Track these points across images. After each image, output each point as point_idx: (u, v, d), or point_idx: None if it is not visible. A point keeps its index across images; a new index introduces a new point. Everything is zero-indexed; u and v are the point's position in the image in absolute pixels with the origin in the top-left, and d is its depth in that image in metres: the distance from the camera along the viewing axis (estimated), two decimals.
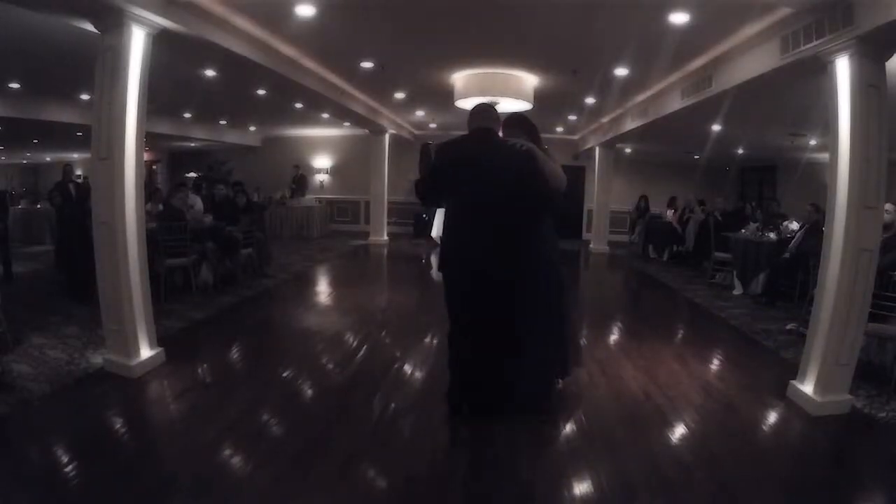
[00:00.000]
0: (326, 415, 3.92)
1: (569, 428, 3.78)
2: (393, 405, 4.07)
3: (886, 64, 3.98)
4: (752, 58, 5.31)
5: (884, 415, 4.13)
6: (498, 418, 3.74)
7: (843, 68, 3.99)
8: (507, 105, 8.11)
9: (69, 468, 3.07)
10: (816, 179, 11.74)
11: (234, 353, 5.28)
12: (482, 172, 3.50)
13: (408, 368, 4.86)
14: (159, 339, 4.76)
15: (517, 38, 6.23)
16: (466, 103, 7.82)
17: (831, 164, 4.12)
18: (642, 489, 3.05)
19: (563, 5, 4.99)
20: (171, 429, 3.68)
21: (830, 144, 4.14)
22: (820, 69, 4.27)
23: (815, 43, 4.18)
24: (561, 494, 3.00)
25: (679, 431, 3.78)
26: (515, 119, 4.08)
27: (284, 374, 4.64)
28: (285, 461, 3.22)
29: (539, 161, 3.59)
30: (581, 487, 3.04)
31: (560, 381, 4.25)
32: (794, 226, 8.90)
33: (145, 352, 4.52)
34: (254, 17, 5.55)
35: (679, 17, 4.96)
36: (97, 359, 4.63)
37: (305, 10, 5.21)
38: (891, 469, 3.48)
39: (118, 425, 3.71)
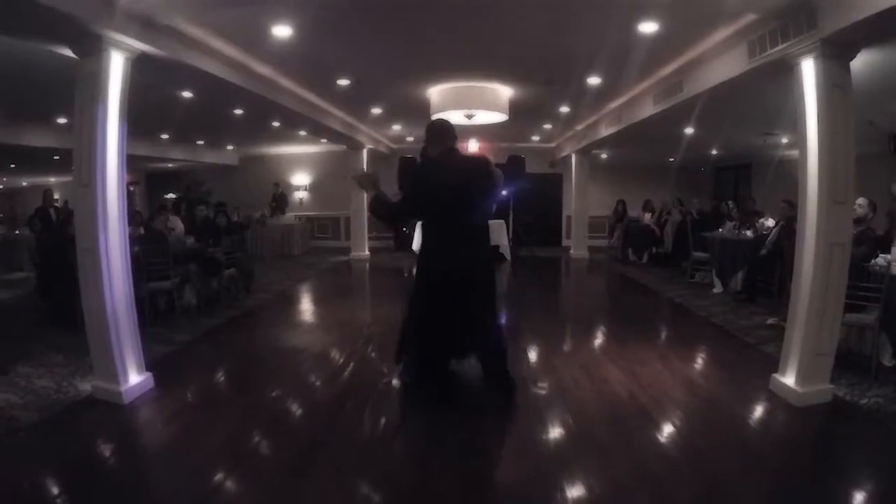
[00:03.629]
0: (316, 432, 3.93)
1: (556, 431, 3.84)
2: (383, 420, 4.11)
3: (851, 63, 4.11)
4: (721, 63, 5.44)
5: (866, 401, 4.25)
6: (486, 426, 3.81)
7: (808, 70, 4.13)
8: (483, 117, 8.22)
9: (60, 497, 3.06)
10: (790, 176, 11.92)
11: (222, 375, 5.27)
12: (458, 183, 4.05)
13: (396, 383, 4.84)
14: (147, 364, 4.74)
15: (491, 52, 6.32)
16: (443, 117, 7.87)
17: (801, 162, 4.24)
18: (631, 487, 3.12)
19: (534, 18, 5.09)
20: (163, 453, 3.66)
21: (799, 143, 4.27)
22: (787, 71, 4.39)
23: (780, 47, 4.31)
24: (553, 497, 3.04)
25: (664, 429, 3.86)
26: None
27: (273, 394, 4.63)
28: (278, 479, 3.24)
29: (491, 163, 4.34)
30: (572, 491, 3.08)
31: None
32: (770, 222, 9.05)
33: (134, 377, 4.49)
34: (231, 38, 5.58)
35: (649, 27, 5.07)
36: (85, 386, 4.58)
37: (282, 31, 5.26)
38: (873, 453, 3.58)
39: (109, 452, 3.68)
